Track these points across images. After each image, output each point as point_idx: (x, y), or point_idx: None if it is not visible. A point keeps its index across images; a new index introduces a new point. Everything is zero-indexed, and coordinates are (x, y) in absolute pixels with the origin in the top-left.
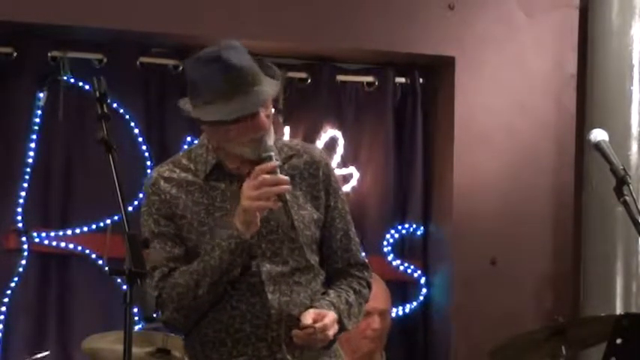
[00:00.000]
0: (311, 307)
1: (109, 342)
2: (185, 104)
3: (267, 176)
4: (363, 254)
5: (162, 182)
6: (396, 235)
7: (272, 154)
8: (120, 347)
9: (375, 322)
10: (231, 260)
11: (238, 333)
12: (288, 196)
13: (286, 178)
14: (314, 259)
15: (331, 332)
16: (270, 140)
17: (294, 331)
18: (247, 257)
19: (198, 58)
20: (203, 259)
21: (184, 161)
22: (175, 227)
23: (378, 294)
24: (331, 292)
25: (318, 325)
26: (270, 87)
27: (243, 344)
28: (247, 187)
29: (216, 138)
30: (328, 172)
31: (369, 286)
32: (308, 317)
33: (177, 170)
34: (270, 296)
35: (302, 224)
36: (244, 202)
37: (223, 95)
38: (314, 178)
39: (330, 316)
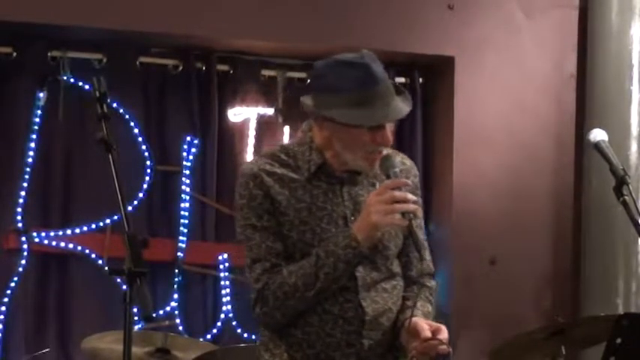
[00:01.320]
0: (397, 314)
1: (109, 342)
2: (310, 101)
3: (397, 193)
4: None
5: (264, 176)
6: None
7: (397, 170)
8: (119, 347)
9: None
10: (345, 269)
11: (329, 337)
12: None
13: (414, 197)
14: (397, 267)
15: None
16: (397, 157)
17: (414, 344)
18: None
19: (342, 61)
20: (317, 264)
21: (283, 156)
22: (277, 223)
23: None
24: (419, 302)
25: (442, 337)
26: (406, 104)
27: (333, 349)
28: (376, 202)
29: (344, 140)
30: (417, 183)
31: (436, 293)
32: (426, 329)
33: (277, 165)
34: (363, 303)
35: (393, 234)
36: (374, 217)
37: (371, 101)
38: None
39: (444, 328)
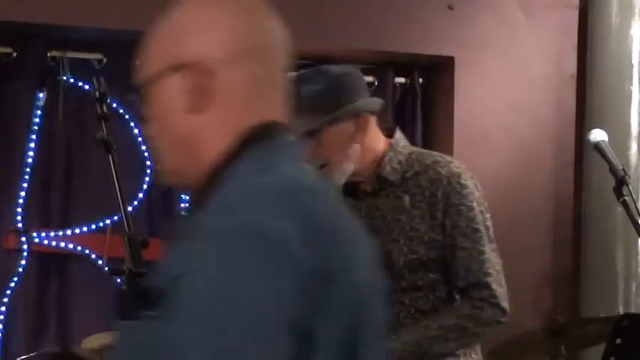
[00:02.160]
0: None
1: (109, 342)
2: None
3: None
4: (491, 274)
5: None
6: None
7: None
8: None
9: None
10: None
11: None
12: (403, 217)
13: None
14: (423, 279)
15: None
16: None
17: None
18: None
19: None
20: None
21: None
22: None
23: None
24: (422, 322)
25: None
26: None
27: None
28: None
29: None
30: (450, 190)
31: (491, 305)
32: None
33: None
34: None
35: (407, 248)
36: None
37: None
38: (434, 197)
39: None
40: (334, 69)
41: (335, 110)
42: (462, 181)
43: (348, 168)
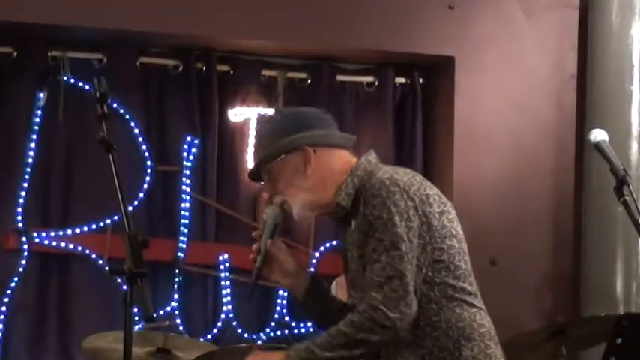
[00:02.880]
0: None
1: (110, 341)
2: None
3: None
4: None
5: None
6: None
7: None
8: (120, 347)
9: None
10: None
11: None
12: (353, 242)
13: None
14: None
15: None
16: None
17: None
18: None
19: None
20: None
21: None
22: None
23: None
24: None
25: None
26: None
27: None
28: None
29: None
30: (367, 203)
31: (372, 309)
32: None
33: None
34: None
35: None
36: None
37: None
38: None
39: None
40: (283, 109)
41: (269, 148)
42: (374, 191)
43: (304, 201)
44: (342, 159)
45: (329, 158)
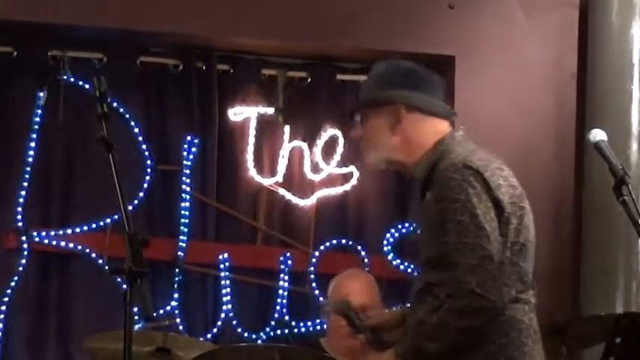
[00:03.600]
0: None
1: (110, 341)
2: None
3: None
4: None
5: None
6: (397, 235)
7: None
8: (120, 346)
9: None
10: None
11: None
12: (425, 215)
13: None
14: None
15: None
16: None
17: None
18: None
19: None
20: None
21: None
22: None
23: (362, 289)
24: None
25: None
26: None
27: None
28: None
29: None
30: (439, 183)
31: (462, 293)
32: None
33: None
34: None
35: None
36: None
37: None
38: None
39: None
40: (399, 61)
41: (370, 94)
42: (449, 174)
43: (383, 155)
44: (433, 128)
45: (421, 124)
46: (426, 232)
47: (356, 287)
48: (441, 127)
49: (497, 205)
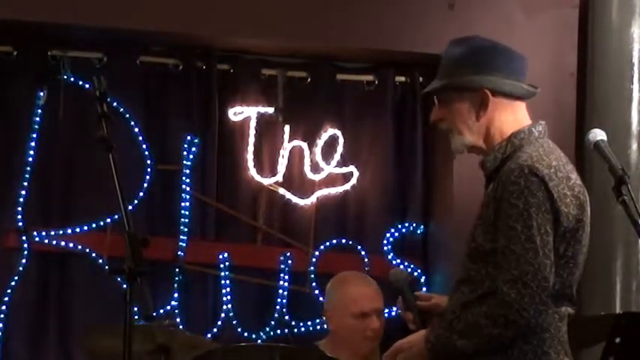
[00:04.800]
0: None
1: (110, 340)
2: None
3: None
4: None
5: None
6: (396, 234)
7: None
8: (120, 345)
9: (374, 322)
10: None
11: None
12: (483, 205)
13: None
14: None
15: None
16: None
17: None
18: None
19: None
20: None
21: None
22: None
23: (375, 294)
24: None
25: None
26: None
27: None
28: None
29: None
30: (501, 185)
31: (502, 304)
32: None
33: None
34: None
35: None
36: None
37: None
38: (496, 191)
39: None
40: (480, 40)
41: (453, 77)
42: (513, 177)
43: (466, 139)
44: (514, 113)
45: (504, 109)
46: (478, 223)
47: (369, 292)
48: (522, 114)
49: (557, 217)
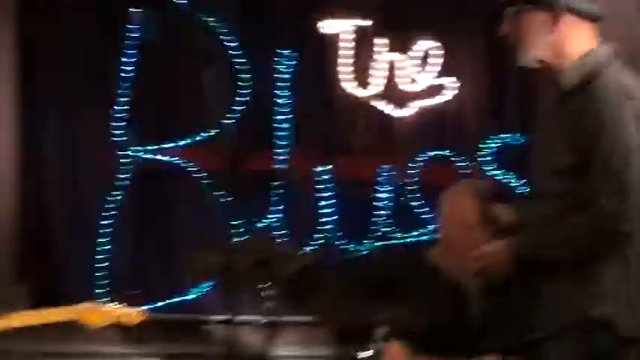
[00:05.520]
0: None
1: (213, 255)
2: None
3: None
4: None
5: None
6: (496, 145)
7: None
8: (222, 259)
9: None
10: None
11: None
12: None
13: None
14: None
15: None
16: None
17: None
18: None
19: None
20: None
21: None
22: None
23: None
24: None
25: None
26: None
27: None
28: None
29: None
30: (587, 107)
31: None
32: None
33: None
34: None
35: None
36: None
37: None
38: (579, 113)
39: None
40: None
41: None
42: (607, 95)
43: (537, 54)
44: (585, 33)
45: (576, 27)
46: (561, 138)
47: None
48: (591, 33)
49: None
